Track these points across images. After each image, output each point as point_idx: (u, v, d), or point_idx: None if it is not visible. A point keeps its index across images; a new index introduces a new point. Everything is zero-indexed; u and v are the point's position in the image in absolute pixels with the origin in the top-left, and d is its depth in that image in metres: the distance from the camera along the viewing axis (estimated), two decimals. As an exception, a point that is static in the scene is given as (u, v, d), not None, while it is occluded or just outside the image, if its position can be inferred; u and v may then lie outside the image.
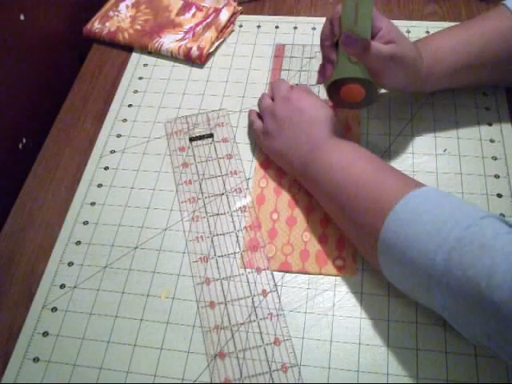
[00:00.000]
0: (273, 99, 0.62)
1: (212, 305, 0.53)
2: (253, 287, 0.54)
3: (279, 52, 0.73)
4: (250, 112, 0.64)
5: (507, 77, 0.62)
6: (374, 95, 0.59)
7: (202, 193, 0.60)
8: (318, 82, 0.60)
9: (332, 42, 0.57)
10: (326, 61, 0.58)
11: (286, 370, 0.49)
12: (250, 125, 0.63)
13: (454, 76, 0.59)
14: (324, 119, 0.57)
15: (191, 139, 0.64)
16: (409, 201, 0.45)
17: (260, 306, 0.53)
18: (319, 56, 0.59)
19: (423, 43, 0.59)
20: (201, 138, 0.64)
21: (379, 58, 0.54)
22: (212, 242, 0.57)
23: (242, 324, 0.52)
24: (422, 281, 0.43)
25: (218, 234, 0.57)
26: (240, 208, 0.59)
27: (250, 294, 0.53)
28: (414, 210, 0.45)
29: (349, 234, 0.54)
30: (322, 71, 0.59)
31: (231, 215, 0.58)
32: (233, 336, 0.51)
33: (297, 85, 0.60)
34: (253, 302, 0.53)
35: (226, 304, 0.53)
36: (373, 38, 0.54)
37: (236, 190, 0.60)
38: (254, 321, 0.52)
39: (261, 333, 0.51)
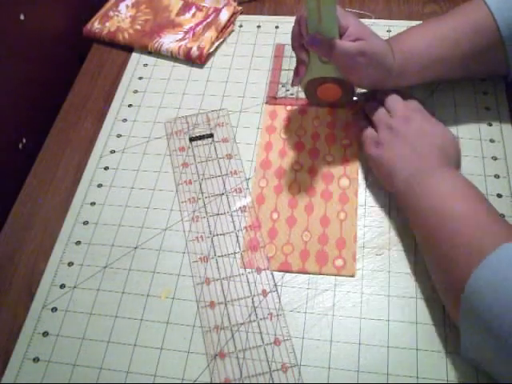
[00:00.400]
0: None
1: (212, 305, 0.53)
2: (253, 287, 0.54)
3: (279, 52, 0.73)
4: (359, 117, 0.62)
5: (481, 69, 0.62)
6: (351, 93, 0.61)
7: (202, 193, 0.60)
8: (294, 84, 0.60)
9: (300, 42, 0.57)
10: (299, 62, 0.58)
11: (286, 370, 0.49)
12: (360, 129, 0.60)
13: (428, 70, 0.59)
14: (444, 146, 0.55)
15: (191, 139, 0.64)
16: (504, 252, 0.42)
17: (260, 305, 0.52)
18: None
19: (395, 40, 0.59)
20: (201, 138, 0.64)
21: (347, 56, 0.54)
22: (212, 242, 0.57)
23: (241, 324, 0.52)
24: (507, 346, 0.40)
25: (218, 234, 0.57)
26: (240, 208, 0.59)
27: (250, 293, 0.53)
28: (509, 263, 0.42)
29: (432, 267, 0.51)
30: (296, 72, 0.59)
31: (231, 215, 0.58)
32: (233, 336, 0.51)
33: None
34: (253, 301, 0.53)
35: (225, 304, 0.53)
36: (341, 36, 0.55)
37: (236, 189, 0.60)
38: (254, 321, 0.52)
39: (261, 333, 0.51)
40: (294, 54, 0.59)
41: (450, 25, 0.59)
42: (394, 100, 0.59)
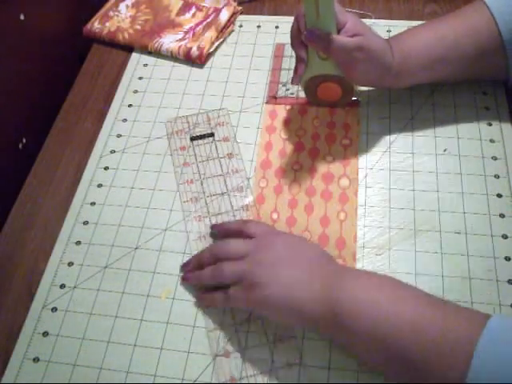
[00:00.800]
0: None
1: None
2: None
3: (279, 52, 0.73)
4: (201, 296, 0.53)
5: (480, 72, 0.61)
6: (351, 93, 0.61)
7: (204, 192, 0.60)
8: (294, 83, 0.60)
9: (299, 39, 0.57)
10: (298, 59, 0.58)
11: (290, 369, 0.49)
12: (209, 301, 0.52)
13: (427, 71, 0.59)
14: (320, 254, 0.49)
15: (192, 138, 0.64)
16: (489, 338, 0.38)
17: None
18: None
19: (395, 39, 0.59)
20: (202, 137, 0.64)
21: (345, 51, 0.54)
22: (214, 241, 0.57)
23: (241, 324, 0.51)
24: None
25: (218, 234, 0.57)
26: (242, 207, 0.59)
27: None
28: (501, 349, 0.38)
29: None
30: (295, 70, 0.59)
31: (233, 214, 0.58)
32: (237, 334, 0.51)
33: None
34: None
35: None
36: (338, 32, 0.55)
37: (237, 188, 0.60)
38: (259, 319, 0.51)
39: (266, 333, 0.51)
40: (294, 54, 0.59)
41: (451, 26, 0.59)
42: (226, 244, 0.52)
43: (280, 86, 0.69)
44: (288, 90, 0.68)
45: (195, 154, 0.63)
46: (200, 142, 0.64)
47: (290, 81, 0.60)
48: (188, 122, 0.66)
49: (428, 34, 0.59)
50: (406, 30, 0.61)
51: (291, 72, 0.60)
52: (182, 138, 0.65)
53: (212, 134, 0.65)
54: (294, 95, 0.68)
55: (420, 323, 0.41)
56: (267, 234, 0.51)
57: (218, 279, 0.50)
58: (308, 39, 0.55)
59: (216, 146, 0.64)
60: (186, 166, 0.62)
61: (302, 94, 0.65)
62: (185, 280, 0.54)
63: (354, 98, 0.65)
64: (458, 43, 0.58)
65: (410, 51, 0.58)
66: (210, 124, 0.66)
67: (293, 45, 0.58)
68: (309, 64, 0.58)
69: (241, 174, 0.61)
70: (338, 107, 0.65)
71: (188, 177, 0.62)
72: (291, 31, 0.58)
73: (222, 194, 0.60)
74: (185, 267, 0.55)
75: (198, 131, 0.65)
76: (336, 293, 0.44)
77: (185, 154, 0.63)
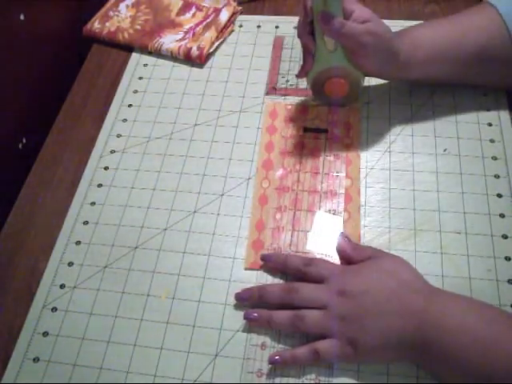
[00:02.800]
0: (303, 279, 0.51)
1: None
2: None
3: (278, 44, 0.73)
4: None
5: (486, 72, 0.61)
6: (357, 89, 0.61)
7: (297, 186, 0.60)
8: (300, 76, 0.61)
9: (307, 30, 0.57)
10: (305, 51, 0.59)
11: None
12: (292, 358, 0.48)
13: (432, 65, 0.59)
14: (399, 277, 0.48)
15: (305, 129, 0.64)
16: None
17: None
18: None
19: (404, 31, 0.60)
20: (315, 130, 0.63)
21: (355, 35, 0.55)
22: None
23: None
24: None
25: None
26: (329, 210, 0.58)
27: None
28: None
29: None
30: (303, 64, 0.59)
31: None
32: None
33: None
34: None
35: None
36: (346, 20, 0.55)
37: (329, 191, 0.59)
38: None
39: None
40: (293, 46, 0.59)
41: (459, 25, 0.59)
42: (304, 289, 0.49)
43: (280, 77, 0.69)
44: (288, 81, 0.68)
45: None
46: (311, 134, 0.63)
47: (296, 74, 0.61)
48: (307, 112, 0.66)
49: (435, 30, 0.59)
50: (414, 25, 0.61)
51: (291, 63, 0.60)
52: (294, 127, 0.64)
53: (326, 131, 0.64)
54: (293, 86, 0.68)
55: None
56: (335, 277, 0.49)
57: (300, 330, 0.49)
58: (322, 20, 0.55)
59: (326, 144, 0.63)
60: (289, 157, 0.62)
61: (302, 85, 0.65)
62: (248, 318, 0.50)
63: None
64: (464, 40, 0.58)
65: (419, 39, 0.58)
66: (327, 120, 0.65)
67: (300, 35, 0.58)
68: (316, 58, 0.58)
69: (340, 177, 0.60)
70: (344, 106, 0.65)
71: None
72: (298, 23, 0.58)
73: (315, 191, 0.59)
74: (242, 299, 0.52)
75: (313, 124, 0.64)
76: (426, 327, 0.44)
77: (291, 142, 0.63)
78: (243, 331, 0.51)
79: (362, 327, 0.46)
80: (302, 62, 0.60)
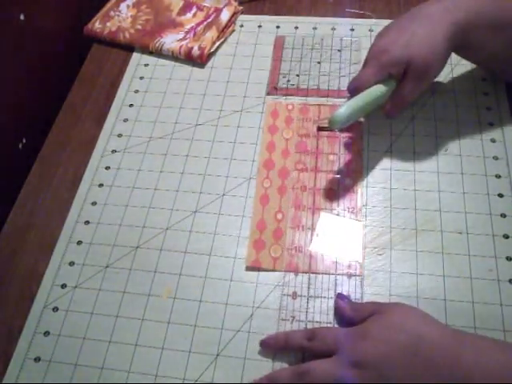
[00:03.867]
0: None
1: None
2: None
3: (279, 44, 0.73)
4: None
5: None
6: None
7: (315, 184, 0.60)
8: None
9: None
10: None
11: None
12: None
13: (497, 35, 0.55)
14: (409, 325, 0.44)
15: (319, 129, 0.64)
16: None
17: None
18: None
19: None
20: (329, 129, 0.63)
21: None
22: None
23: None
24: None
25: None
26: (348, 208, 0.58)
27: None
28: None
29: None
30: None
31: (337, 213, 0.58)
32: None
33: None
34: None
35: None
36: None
37: (345, 188, 0.59)
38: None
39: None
40: (294, 46, 0.58)
41: None
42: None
43: (281, 77, 0.69)
44: (289, 81, 0.69)
45: (317, 145, 0.62)
46: (325, 133, 0.64)
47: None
48: (319, 112, 0.66)
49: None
50: None
51: (292, 63, 0.60)
52: (307, 126, 0.64)
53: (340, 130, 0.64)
54: (294, 86, 0.68)
55: None
56: (344, 346, 0.45)
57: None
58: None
59: (341, 142, 0.63)
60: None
61: (303, 85, 0.65)
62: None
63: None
64: None
65: (481, 5, 0.55)
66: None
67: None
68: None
69: (356, 176, 0.60)
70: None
71: (303, 165, 0.61)
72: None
73: (331, 189, 0.59)
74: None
75: (325, 122, 0.63)
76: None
77: (307, 142, 0.63)
78: (244, 331, 0.51)
79: (381, 380, 0.42)
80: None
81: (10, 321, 0.54)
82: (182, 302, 0.53)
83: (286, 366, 0.49)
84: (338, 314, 0.51)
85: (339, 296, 0.52)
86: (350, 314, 0.49)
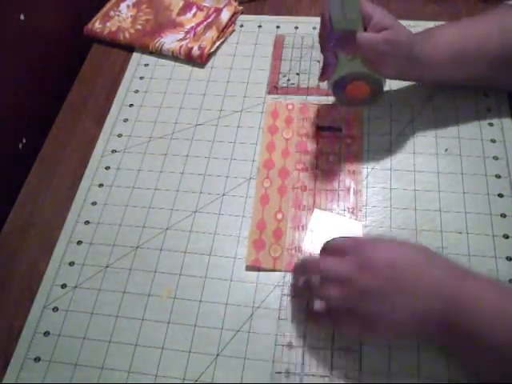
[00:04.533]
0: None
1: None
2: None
3: (279, 42, 0.73)
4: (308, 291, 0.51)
5: (504, 76, 0.60)
6: (380, 91, 0.60)
7: (315, 185, 0.60)
8: (321, 80, 0.60)
9: (328, 43, 0.56)
10: (326, 62, 0.58)
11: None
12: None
13: (455, 67, 0.58)
14: (424, 260, 0.46)
15: (319, 128, 0.64)
16: None
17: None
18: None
19: (425, 33, 0.59)
20: (329, 129, 0.63)
21: (372, 47, 0.54)
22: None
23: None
24: None
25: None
26: (348, 208, 0.58)
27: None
28: None
29: None
30: (323, 72, 0.59)
31: (338, 212, 0.58)
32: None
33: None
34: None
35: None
36: (366, 27, 0.55)
37: (345, 189, 0.59)
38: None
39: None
40: (293, 45, 0.58)
41: (478, 24, 0.58)
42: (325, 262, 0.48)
43: (281, 76, 0.69)
44: (289, 80, 0.69)
45: (317, 145, 0.62)
46: (325, 133, 0.63)
47: (319, 79, 0.60)
48: (318, 110, 0.66)
49: (455, 31, 0.59)
50: (434, 27, 0.61)
51: (292, 63, 0.60)
52: (307, 126, 0.64)
53: (340, 129, 0.64)
54: (294, 85, 0.68)
55: None
56: (359, 249, 0.47)
57: (327, 303, 0.49)
58: (335, 45, 0.55)
59: (341, 142, 0.63)
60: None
61: (304, 84, 0.65)
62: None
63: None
64: (484, 42, 0.57)
65: (441, 44, 0.57)
66: (340, 118, 0.65)
67: (322, 48, 0.58)
68: (338, 64, 0.57)
69: (356, 176, 0.60)
70: (365, 105, 0.65)
71: (303, 165, 0.61)
72: (319, 35, 0.57)
73: (331, 189, 0.59)
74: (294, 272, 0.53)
75: (325, 122, 0.64)
76: (455, 310, 0.43)
77: (307, 142, 0.63)
78: (244, 331, 0.51)
79: (385, 305, 0.44)
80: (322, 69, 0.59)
81: (10, 321, 0.54)
82: (182, 302, 0.53)
83: (285, 367, 0.49)
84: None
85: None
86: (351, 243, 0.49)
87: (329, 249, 0.49)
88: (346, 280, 0.45)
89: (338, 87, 0.59)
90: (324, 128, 0.64)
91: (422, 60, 0.57)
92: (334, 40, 0.54)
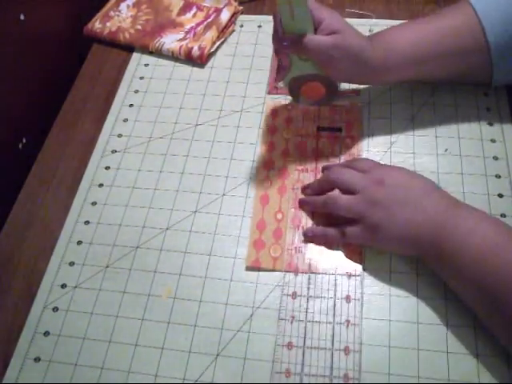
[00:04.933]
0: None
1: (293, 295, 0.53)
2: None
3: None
4: (316, 231, 0.56)
5: (463, 72, 0.61)
6: (334, 91, 0.62)
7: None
8: (277, 81, 0.61)
9: (278, 43, 0.57)
10: (279, 63, 0.59)
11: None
12: (321, 236, 0.55)
13: (409, 67, 0.59)
14: (431, 188, 0.52)
15: (319, 128, 0.64)
16: None
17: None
18: None
19: (377, 35, 0.60)
20: (329, 129, 0.63)
21: (320, 51, 0.55)
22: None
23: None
24: None
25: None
26: None
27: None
28: None
29: (505, 335, 0.46)
30: (277, 72, 0.60)
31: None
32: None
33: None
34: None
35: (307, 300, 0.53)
36: (316, 30, 0.55)
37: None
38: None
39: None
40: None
41: (435, 25, 0.59)
42: (342, 174, 0.55)
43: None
44: None
45: (317, 145, 0.63)
46: (325, 133, 0.64)
47: (275, 79, 0.61)
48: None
49: (411, 32, 0.59)
50: (389, 28, 0.61)
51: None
52: (307, 126, 0.64)
53: (340, 129, 0.64)
54: None
55: None
56: (377, 169, 0.54)
57: (331, 209, 0.54)
58: (284, 48, 0.56)
59: (341, 143, 0.63)
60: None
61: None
62: (299, 203, 0.58)
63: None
64: (442, 42, 0.58)
65: (393, 47, 0.58)
66: (341, 118, 0.65)
67: (275, 51, 0.59)
68: (291, 65, 0.59)
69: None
70: (323, 105, 0.65)
71: (303, 165, 0.61)
72: (272, 38, 0.58)
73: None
74: (304, 190, 0.59)
75: (325, 122, 0.64)
76: (445, 229, 0.48)
77: (310, 141, 0.63)
78: (244, 331, 0.51)
79: (387, 214, 0.50)
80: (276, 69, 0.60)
81: (10, 321, 0.54)
82: (182, 302, 0.53)
83: (285, 367, 0.49)
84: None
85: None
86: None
87: (352, 166, 0.55)
88: (361, 190, 0.52)
89: (293, 88, 0.62)
90: (324, 128, 0.64)
91: (372, 64, 0.57)
92: (284, 42, 0.56)
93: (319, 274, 0.54)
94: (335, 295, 0.53)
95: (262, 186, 0.60)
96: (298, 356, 0.50)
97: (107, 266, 0.56)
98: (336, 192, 0.55)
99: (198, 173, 0.62)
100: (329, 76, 0.59)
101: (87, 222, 0.59)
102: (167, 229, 0.58)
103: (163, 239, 0.57)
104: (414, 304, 0.51)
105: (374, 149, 0.62)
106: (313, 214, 0.57)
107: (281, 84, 0.63)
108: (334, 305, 0.52)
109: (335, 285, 0.53)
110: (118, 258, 0.56)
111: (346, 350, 0.49)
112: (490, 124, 0.63)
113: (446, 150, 0.61)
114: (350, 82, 0.64)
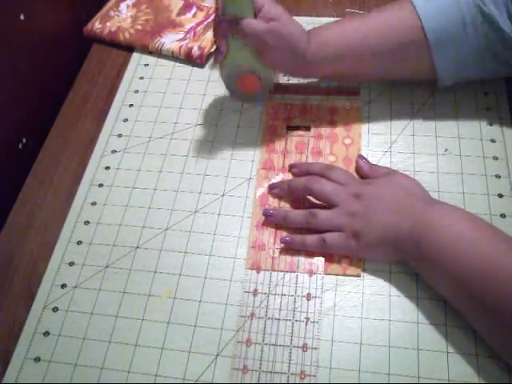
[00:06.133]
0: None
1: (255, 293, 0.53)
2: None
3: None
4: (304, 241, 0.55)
5: (405, 70, 0.61)
6: (269, 84, 0.64)
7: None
8: (215, 63, 0.63)
9: (217, 27, 0.58)
10: (218, 52, 0.60)
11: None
12: (299, 244, 0.55)
13: (342, 61, 0.60)
14: (407, 192, 0.52)
15: (289, 128, 0.64)
16: None
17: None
18: None
19: (314, 30, 0.61)
20: (298, 128, 0.64)
21: (256, 36, 0.56)
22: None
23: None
24: None
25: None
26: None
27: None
28: None
29: (484, 329, 0.47)
30: (214, 59, 0.62)
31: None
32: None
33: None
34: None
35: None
36: (256, 16, 0.56)
37: None
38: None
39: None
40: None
41: (373, 21, 0.59)
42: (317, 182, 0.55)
43: (281, 75, 0.69)
44: (289, 79, 0.69)
45: (286, 144, 0.63)
46: (295, 133, 0.64)
47: (214, 61, 0.63)
48: (289, 110, 0.66)
49: (348, 27, 0.60)
50: (329, 23, 0.62)
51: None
52: (280, 125, 0.65)
53: (308, 128, 0.64)
54: (294, 85, 0.68)
55: (503, 264, 0.44)
56: (354, 183, 0.55)
57: (312, 225, 0.54)
58: (222, 29, 0.57)
59: (308, 141, 0.63)
60: (272, 153, 0.63)
61: (303, 84, 0.66)
62: (266, 215, 0.57)
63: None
64: (379, 36, 0.58)
65: (326, 40, 0.59)
66: (310, 117, 0.65)
67: (214, 37, 0.60)
68: (227, 55, 0.60)
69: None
70: (259, 101, 0.66)
71: (271, 164, 0.62)
72: (213, 22, 0.59)
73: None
74: (271, 188, 0.59)
75: (296, 121, 0.65)
76: (419, 225, 0.49)
77: (275, 141, 0.64)
78: (244, 331, 0.51)
79: (367, 222, 0.51)
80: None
81: (10, 321, 0.54)
82: (182, 302, 0.53)
83: (286, 367, 0.49)
84: (357, 172, 0.59)
85: (360, 157, 0.59)
86: (367, 171, 0.58)
87: (330, 177, 0.56)
88: (340, 204, 0.53)
89: (228, 79, 0.63)
90: (294, 128, 0.64)
91: (306, 56, 0.58)
92: (222, 24, 0.56)
93: (319, 274, 0.54)
94: (335, 296, 0.53)
95: (262, 186, 0.60)
96: (298, 356, 0.49)
97: (107, 266, 0.56)
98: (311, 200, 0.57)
99: (198, 173, 0.62)
100: (265, 66, 0.60)
101: (87, 222, 0.59)
102: (167, 229, 0.58)
103: (163, 239, 0.57)
104: (413, 304, 0.51)
105: (373, 149, 0.62)
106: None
107: (219, 73, 0.64)
108: (335, 305, 0.52)
109: (336, 285, 0.53)
110: (118, 258, 0.56)
111: (304, 347, 0.50)
112: (490, 124, 0.63)
113: (446, 150, 0.61)
114: (285, 72, 0.65)
